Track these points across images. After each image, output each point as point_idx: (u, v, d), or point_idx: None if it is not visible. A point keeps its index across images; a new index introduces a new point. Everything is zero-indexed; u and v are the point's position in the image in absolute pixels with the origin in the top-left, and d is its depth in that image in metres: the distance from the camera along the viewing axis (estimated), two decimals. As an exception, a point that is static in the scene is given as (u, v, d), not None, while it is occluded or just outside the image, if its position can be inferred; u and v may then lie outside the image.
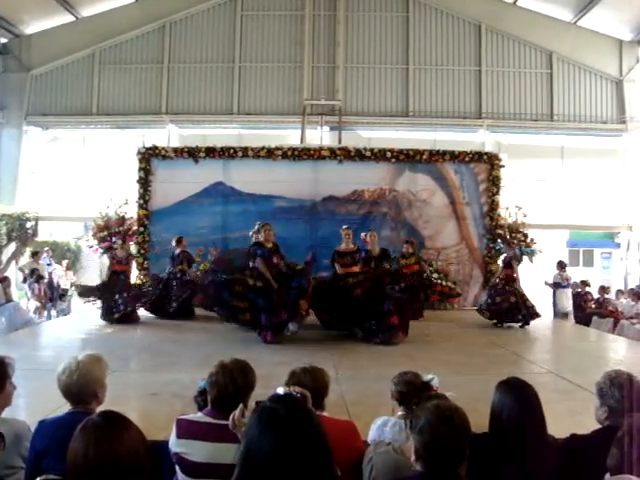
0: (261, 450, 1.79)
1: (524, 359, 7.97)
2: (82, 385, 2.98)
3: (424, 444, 2.31)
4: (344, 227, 10.59)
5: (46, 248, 16.33)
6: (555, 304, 14.31)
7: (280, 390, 2.82)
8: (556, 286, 14.23)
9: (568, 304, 14.09)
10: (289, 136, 18.04)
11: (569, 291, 14.32)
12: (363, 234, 10.30)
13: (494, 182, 14.82)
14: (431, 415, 2.34)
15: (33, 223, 17.65)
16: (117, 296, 10.87)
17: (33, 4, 17.63)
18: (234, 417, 2.62)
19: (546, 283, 14.35)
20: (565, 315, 13.95)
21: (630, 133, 18.27)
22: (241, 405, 2.68)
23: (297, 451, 1.78)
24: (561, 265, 14.27)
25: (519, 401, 2.95)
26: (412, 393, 3.08)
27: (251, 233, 10.86)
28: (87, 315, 12.01)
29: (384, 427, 3.25)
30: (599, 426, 3.12)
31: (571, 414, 4.98)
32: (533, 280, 14.71)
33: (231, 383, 2.92)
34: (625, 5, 16.58)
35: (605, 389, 3.05)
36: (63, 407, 3.15)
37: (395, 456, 2.76)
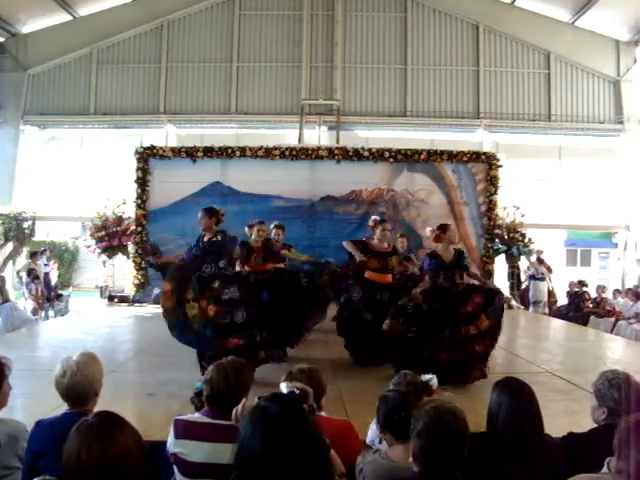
0: (253, 449, 1.79)
1: (521, 358, 7.98)
2: (85, 385, 2.98)
3: (421, 448, 2.33)
4: (377, 218, 8.25)
5: (42, 248, 16.30)
6: (530, 294, 15.30)
7: (283, 386, 2.82)
8: (531, 278, 15.30)
9: (542, 295, 15.07)
10: (287, 136, 18.03)
11: (544, 284, 15.21)
12: (429, 229, 7.34)
13: (492, 182, 14.85)
14: (429, 419, 2.35)
15: (30, 223, 17.61)
16: None
17: (30, 3, 17.59)
18: (237, 411, 2.62)
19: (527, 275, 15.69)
20: (536, 304, 15.04)
21: (627, 133, 18.29)
22: (244, 400, 2.68)
23: (288, 451, 1.78)
24: (539, 260, 15.18)
25: (516, 401, 2.95)
26: (413, 393, 3.07)
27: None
28: (84, 315, 12.00)
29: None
30: (596, 425, 3.13)
31: (568, 413, 4.98)
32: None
33: (223, 381, 2.91)
34: (623, 5, 16.60)
35: (604, 390, 3.05)
36: (60, 407, 3.14)
37: (383, 463, 2.75)
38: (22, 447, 2.95)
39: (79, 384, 2.95)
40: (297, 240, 13.91)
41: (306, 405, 2.69)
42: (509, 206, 15.18)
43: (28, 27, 18.51)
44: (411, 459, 2.39)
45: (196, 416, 2.98)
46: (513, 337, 10.11)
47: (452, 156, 14.92)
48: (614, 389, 3.00)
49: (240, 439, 1.86)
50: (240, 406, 2.62)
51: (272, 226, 9.00)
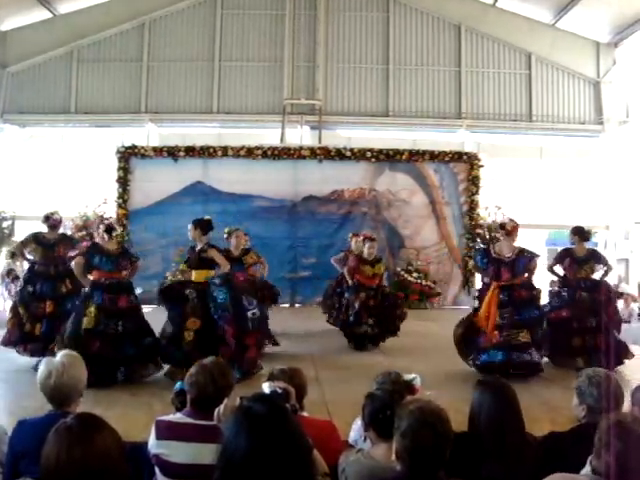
0: (237, 449, 1.79)
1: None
2: (72, 385, 2.95)
3: (405, 448, 2.32)
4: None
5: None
6: None
7: (265, 386, 2.82)
8: None
9: None
10: (269, 135, 17.98)
11: None
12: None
13: (473, 182, 14.95)
14: (414, 420, 2.34)
15: (10, 222, 17.41)
16: None
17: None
18: (219, 412, 2.61)
19: None
20: None
21: (607, 134, 18.46)
22: (226, 400, 2.67)
23: (272, 451, 1.78)
24: None
25: (497, 400, 2.97)
26: (398, 392, 3.07)
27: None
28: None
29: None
30: (576, 424, 3.16)
31: (549, 412, 5.02)
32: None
33: (211, 383, 2.91)
34: (603, 8, 16.75)
35: (584, 388, 3.09)
36: (41, 409, 3.11)
37: (366, 462, 2.75)
38: (2, 451, 2.91)
39: (65, 385, 2.92)
40: (279, 240, 14.00)
41: (289, 405, 2.69)
42: (490, 206, 15.26)
43: (7, 24, 18.28)
44: (394, 457, 2.40)
45: (178, 417, 2.97)
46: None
47: (434, 156, 15.01)
48: (593, 387, 3.04)
49: (224, 439, 1.85)
50: (222, 406, 2.61)
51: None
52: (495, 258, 6.85)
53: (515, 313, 6.64)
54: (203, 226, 6.72)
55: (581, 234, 7.82)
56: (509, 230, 7.00)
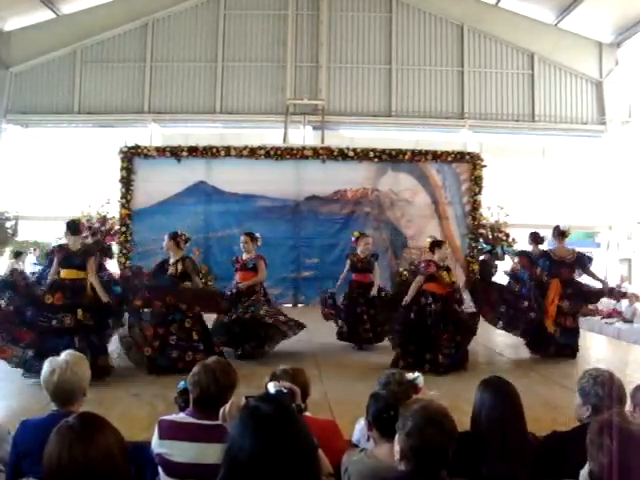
0: (242, 449, 1.78)
1: (506, 357, 8.02)
2: (75, 383, 2.96)
3: (411, 447, 2.30)
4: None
5: (33, 248, 16.14)
6: None
7: (271, 386, 2.82)
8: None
9: None
10: (272, 135, 17.99)
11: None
12: None
13: (476, 182, 14.89)
14: (420, 419, 2.33)
15: (13, 222, 17.43)
16: None
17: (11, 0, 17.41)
18: (225, 411, 2.61)
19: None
20: None
21: (610, 134, 18.44)
22: (233, 399, 2.67)
23: (279, 450, 1.77)
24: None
25: (500, 400, 2.97)
26: (403, 392, 3.07)
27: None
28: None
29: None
30: (578, 423, 3.15)
31: (552, 412, 5.01)
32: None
33: (213, 383, 2.91)
34: (605, 8, 16.75)
35: (588, 388, 3.08)
36: (42, 409, 3.11)
37: (369, 462, 2.74)
38: (5, 449, 2.92)
39: (68, 382, 2.93)
40: (282, 240, 13.98)
41: (294, 404, 2.69)
42: (493, 206, 15.23)
43: (10, 24, 18.32)
44: (397, 457, 2.39)
45: (181, 416, 2.97)
46: (496, 336, 10.13)
47: (436, 156, 14.95)
48: (598, 386, 3.04)
49: (229, 438, 1.85)
50: (228, 405, 2.61)
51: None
52: (557, 261, 8.13)
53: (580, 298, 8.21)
54: (69, 227, 6.91)
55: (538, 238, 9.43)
56: (568, 235, 8.55)
